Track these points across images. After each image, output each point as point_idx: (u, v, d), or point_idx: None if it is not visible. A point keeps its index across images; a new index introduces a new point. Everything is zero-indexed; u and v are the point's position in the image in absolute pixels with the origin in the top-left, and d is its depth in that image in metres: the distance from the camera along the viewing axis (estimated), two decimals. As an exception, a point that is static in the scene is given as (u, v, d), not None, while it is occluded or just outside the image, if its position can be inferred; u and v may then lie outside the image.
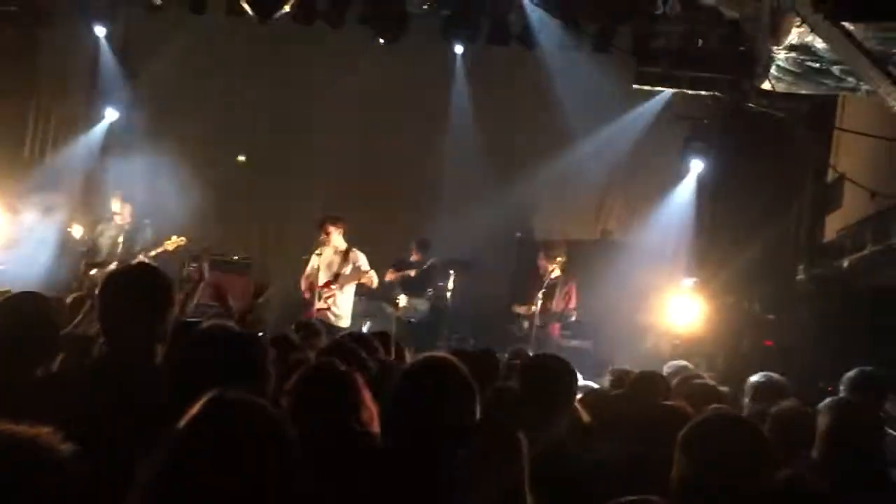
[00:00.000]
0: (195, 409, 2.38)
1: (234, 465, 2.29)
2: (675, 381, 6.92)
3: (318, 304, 12.95)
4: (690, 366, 8.45)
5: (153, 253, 13.00)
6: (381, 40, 14.22)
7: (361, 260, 13.17)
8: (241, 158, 16.29)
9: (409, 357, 7.42)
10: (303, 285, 13.32)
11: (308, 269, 13.29)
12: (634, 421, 5.16)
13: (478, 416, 3.70)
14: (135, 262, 12.18)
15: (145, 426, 3.59)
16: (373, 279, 13.13)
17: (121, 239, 13.30)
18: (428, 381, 3.70)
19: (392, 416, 3.75)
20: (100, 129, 15.36)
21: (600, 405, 5.92)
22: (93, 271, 12.95)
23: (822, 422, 4.82)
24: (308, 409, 3.97)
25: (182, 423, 2.37)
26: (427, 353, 4.06)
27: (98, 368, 4.19)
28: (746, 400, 6.35)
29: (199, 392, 3.49)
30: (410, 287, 14.20)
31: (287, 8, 13.12)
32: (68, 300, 7.30)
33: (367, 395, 4.13)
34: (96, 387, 3.91)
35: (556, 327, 13.03)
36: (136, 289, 4.07)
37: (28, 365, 4.43)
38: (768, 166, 13.01)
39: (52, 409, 3.26)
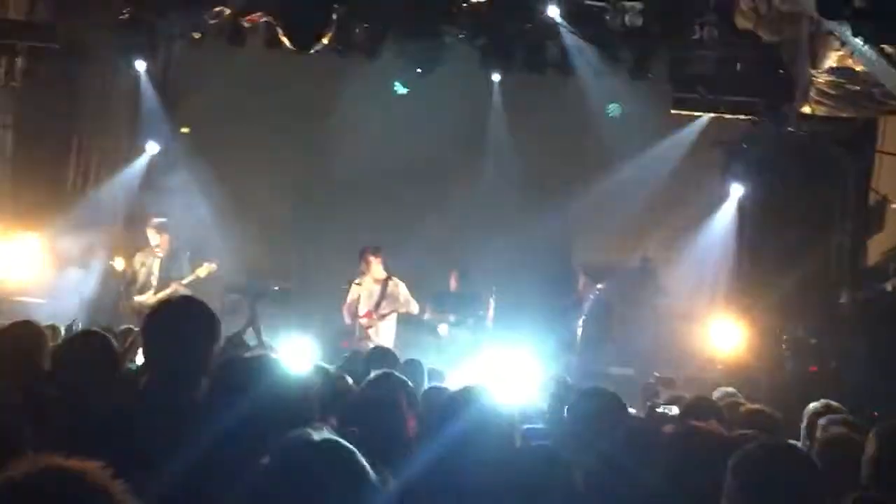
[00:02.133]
0: (281, 450, 2.38)
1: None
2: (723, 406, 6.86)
3: (359, 334, 13.05)
4: (737, 392, 8.39)
5: (185, 281, 13.10)
6: (419, 70, 14.31)
7: (402, 289, 13.26)
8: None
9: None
10: (344, 314, 13.40)
11: (349, 298, 13.39)
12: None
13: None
14: (171, 292, 12.33)
15: (191, 459, 3.63)
16: (413, 308, 13.20)
17: (157, 269, 13.41)
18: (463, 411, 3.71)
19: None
20: (140, 162, 15.47)
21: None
22: (132, 301, 13.08)
23: (869, 448, 4.77)
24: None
25: (267, 461, 2.36)
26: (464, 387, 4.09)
27: (143, 401, 4.22)
28: (803, 426, 6.32)
29: (245, 425, 3.52)
30: (451, 316, 14.17)
31: (325, 41, 13.21)
32: (118, 331, 7.37)
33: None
34: (142, 418, 3.94)
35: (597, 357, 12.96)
36: (179, 322, 4.09)
37: (87, 399, 4.49)
38: (809, 190, 12.93)
39: (101, 442, 3.29)
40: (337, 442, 2.46)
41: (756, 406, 6.93)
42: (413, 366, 8.00)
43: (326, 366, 7.19)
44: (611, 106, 14.54)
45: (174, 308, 4.33)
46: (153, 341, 4.11)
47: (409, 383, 5.60)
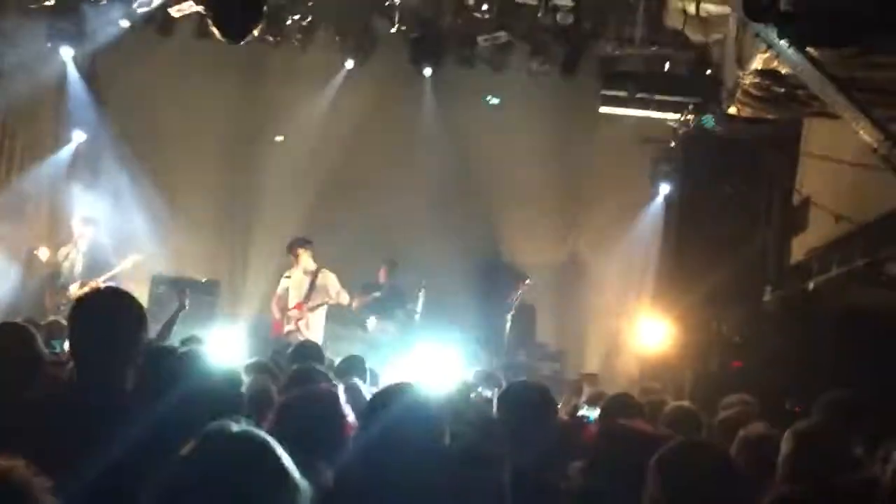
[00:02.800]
0: (199, 441, 2.36)
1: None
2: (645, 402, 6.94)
3: (288, 326, 13.00)
4: (661, 389, 8.49)
5: (112, 272, 12.94)
6: (350, 61, 14.27)
7: (332, 280, 13.23)
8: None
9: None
10: (273, 307, 13.35)
11: (278, 291, 13.35)
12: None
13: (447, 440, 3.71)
14: (100, 284, 12.16)
15: (116, 453, 3.60)
16: (343, 299, 13.18)
17: (81, 261, 13.22)
18: (391, 407, 3.72)
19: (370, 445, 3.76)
20: (66, 151, 15.25)
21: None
22: (56, 293, 12.90)
23: (784, 447, 4.81)
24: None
25: (184, 452, 2.34)
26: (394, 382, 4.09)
27: (69, 394, 4.17)
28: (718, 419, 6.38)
29: (174, 418, 3.50)
30: (380, 308, 14.17)
31: (255, 32, 13.09)
32: (42, 324, 7.26)
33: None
34: (67, 413, 3.89)
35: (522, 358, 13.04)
36: (107, 313, 4.04)
37: (8, 394, 4.42)
38: (735, 189, 13.10)
39: (24, 438, 3.25)
40: (254, 433, 2.44)
41: (679, 403, 7.01)
42: (354, 362, 7.97)
43: (259, 360, 7.18)
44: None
45: (101, 298, 4.27)
46: (79, 332, 4.05)
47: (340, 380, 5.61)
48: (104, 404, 3.84)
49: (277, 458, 2.36)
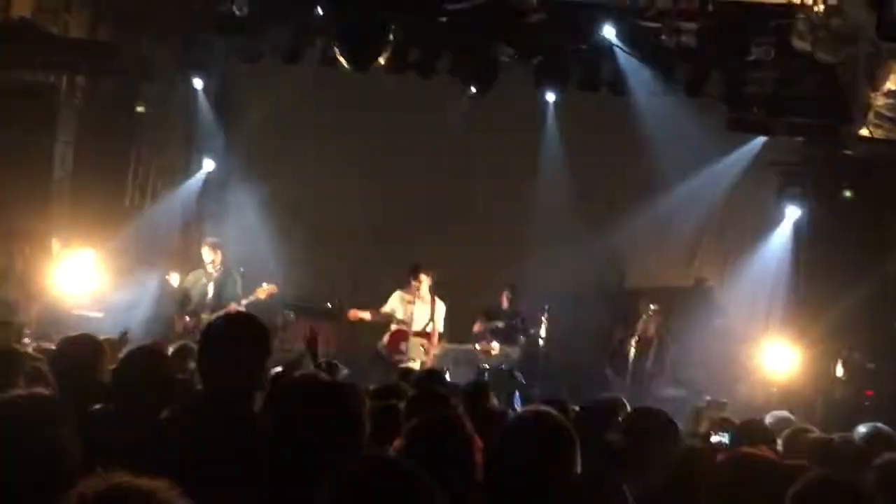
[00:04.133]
0: (350, 469, 2.39)
1: None
2: (784, 434, 6.76)
3: (413, 354, 13.15)
4: (792, 417, 8.29)
5: (245, 301, 13.18)
6: (472, 89, 14.37)
7: (439, 312, 13.41)
8: None
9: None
10: (372, 316, 13.54)
11: (401, 315, 13.47)
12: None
13: (579, 469, 3.67)
14: (230, 310, 12.41)
15: (243, 475, 3.67)
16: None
17: (211, 287, 13.49)
18: (533, 434, 3.69)
19: (497, 470, 3.73)
20: (197, 178, 15.66)
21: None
22: (187, 318, 13.19)
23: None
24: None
25: (334, 481, 2.37)
26: (532, 407, 4.06)
27: (197, 416, 4.27)
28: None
29: (297, 441, 3.55)
30: (502, 333, 14.17)
31: (382, 61, 13.29)
32: (171, 349, 7.42)
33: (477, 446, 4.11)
34: (196, 435, 3.99)
35: (650, 376, 12.86)
36: (235, 337, 4.15)
37: (142, 414, 4.56)
38: (866, 212, 12.78)
39: (161, 459, 3.34)
40: (401, 461, 2.46)
41: (823, 436, 6.81)
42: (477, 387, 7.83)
43: (384, 384, 7.23)
44: None
45: (228, 324, 4.38)
46: (207, 356, 4.18)
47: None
48: (230, 426, 3.94)
49: (427, 487, 2.38)
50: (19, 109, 12.79)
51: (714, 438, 7.05)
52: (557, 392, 12.66)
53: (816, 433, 6.87)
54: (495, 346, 14.11)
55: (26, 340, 10.40)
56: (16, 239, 12.90)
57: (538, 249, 15.07)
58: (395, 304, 13.70)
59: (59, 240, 13.41)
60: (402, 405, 5.70)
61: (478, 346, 14.02)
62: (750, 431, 6.38)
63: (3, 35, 12.88)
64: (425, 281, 13.53)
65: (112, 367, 5.29)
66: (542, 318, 14.00)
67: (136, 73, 13.98)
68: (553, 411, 3.82)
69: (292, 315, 14.20)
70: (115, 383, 4.90)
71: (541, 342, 14.04)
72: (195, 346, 7.25)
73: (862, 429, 6.41)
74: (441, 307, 13.62)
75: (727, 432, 6.77)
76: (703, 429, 8.04)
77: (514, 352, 14.08)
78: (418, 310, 13.53)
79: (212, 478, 3.57)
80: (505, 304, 14.37)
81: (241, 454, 3.72)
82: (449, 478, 3.80)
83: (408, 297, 13.68)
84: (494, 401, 7.74)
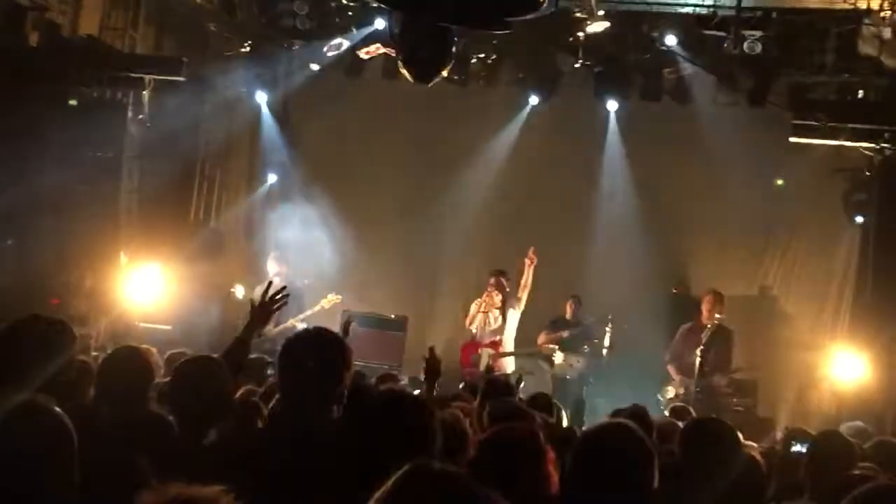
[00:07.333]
0: (397, 480, 2.41)
1: None
2: (867, 445, 6.65)
3: (489, 363, 13.22)
4: (868, 427, 8.18)
5: (309, 312, 13.26)
6: (535, 97, 14.37)
7: (512, 321, 13.43)
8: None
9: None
10: (464, 344, 13.61)
11: (480, 323, 13.56)
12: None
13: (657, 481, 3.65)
14: (297, 323, 12.55)
15: (322, 486, 3.72)
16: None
17: (276, 299, 13.55)
18: (608, 446, 3.69)
19: (572, 483, 3.73)
20: (261, 191, 15.83)
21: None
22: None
23: None
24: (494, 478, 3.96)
25: (383, 492, 2.40)
26: (607, 420, 4.05)
27: (275, 428, 4.34)
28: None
29: (374, 454, 3.59)
30: (567, 344, 14.14)
31: (444, 73, 13.31)
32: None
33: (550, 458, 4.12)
34: (273, 446, 4.05)
35: (717, 385, 12.73)
36: (313, 352, 4.22)
37: (201, 427, 4.65)
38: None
39: (224, 471, 3.40)
40: (456, 472, 2.47)
41: (882, 438, 6.73)
42: (541, 399, 7.80)
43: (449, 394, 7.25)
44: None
45: (306, 339, 4.44)
46: (286, 371, 4.24)
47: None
48: (308, 437, 4.00)
49: (476, 496, 2.39)
50: (87, 125, 12.99)
51: (793, 449, 6.94)
52: (620, 402, 12.64)
53: (877, 438, 6.78)
54: (559, 356, 14.09)
55: (94, 353, 10.56)
56: (86, 253, 13.09)
57: (601, 259, 15.02)
58: (474, 316, 13.79)
59: (126, 253, 13.61)
60: (467, 418, 5.73)
61: (543, 356, 14.02)
62: (829, 443, 6.25)
63: (71, 53, 13.14)
64: (502, 289, 13.61)
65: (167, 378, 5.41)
66: (607, 328, 13.95)
67: (199, 87, 14.15)
68: (633, 425, 3.81)
69: (357, 326, 14.27)
70: (171, 393, 4.98)
71: (605, 352, 13.98)
72: (269, 359, 7.38)
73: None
74: (514, 316, 13.63)
75: (803, 442, 6.66)
76: (779, 438, 7.95)
77: (578, 361, 14.04)
78: (491, 320, 13.61)
79: (292, 490, 3.64)
80: (570, 314, 14.35)
81: (320, 467, 3.77)
82: (521, 491, 3.84)
83: (483, 306, 13.72)
84: (563, 413, 7.76)
